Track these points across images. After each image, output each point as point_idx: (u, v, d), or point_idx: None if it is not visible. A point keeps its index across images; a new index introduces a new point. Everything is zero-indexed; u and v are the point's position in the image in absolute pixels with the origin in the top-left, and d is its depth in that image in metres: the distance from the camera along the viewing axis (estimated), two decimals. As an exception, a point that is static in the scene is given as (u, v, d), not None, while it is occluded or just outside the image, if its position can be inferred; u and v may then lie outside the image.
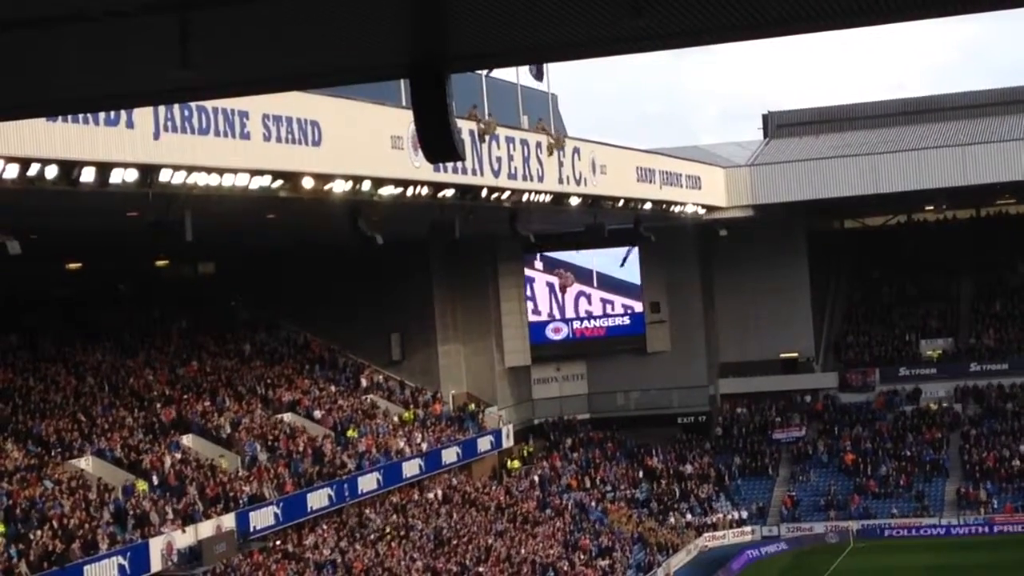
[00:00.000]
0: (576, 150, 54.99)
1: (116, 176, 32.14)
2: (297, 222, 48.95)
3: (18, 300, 57.85)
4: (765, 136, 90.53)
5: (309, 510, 53.73)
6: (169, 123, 33.01)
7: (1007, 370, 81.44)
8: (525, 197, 51.55)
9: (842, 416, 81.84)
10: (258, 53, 11.87)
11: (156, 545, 44.29)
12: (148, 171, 33.01)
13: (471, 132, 45.96)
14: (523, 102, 57.42)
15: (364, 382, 68.46)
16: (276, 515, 51.16)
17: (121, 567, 42.54)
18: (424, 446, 63.10)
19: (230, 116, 35.07)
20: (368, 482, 57.53)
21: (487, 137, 47.27)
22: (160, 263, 65.53)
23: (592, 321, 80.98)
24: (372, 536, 57.35)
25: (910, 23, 11.64)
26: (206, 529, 46.83)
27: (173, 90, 13.87)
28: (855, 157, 75.18)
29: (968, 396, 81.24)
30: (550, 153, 51.79)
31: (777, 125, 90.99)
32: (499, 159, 48.42)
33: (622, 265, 79.87)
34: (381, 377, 70.32)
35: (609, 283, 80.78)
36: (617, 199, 59.86)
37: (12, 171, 29.58)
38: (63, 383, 53.56)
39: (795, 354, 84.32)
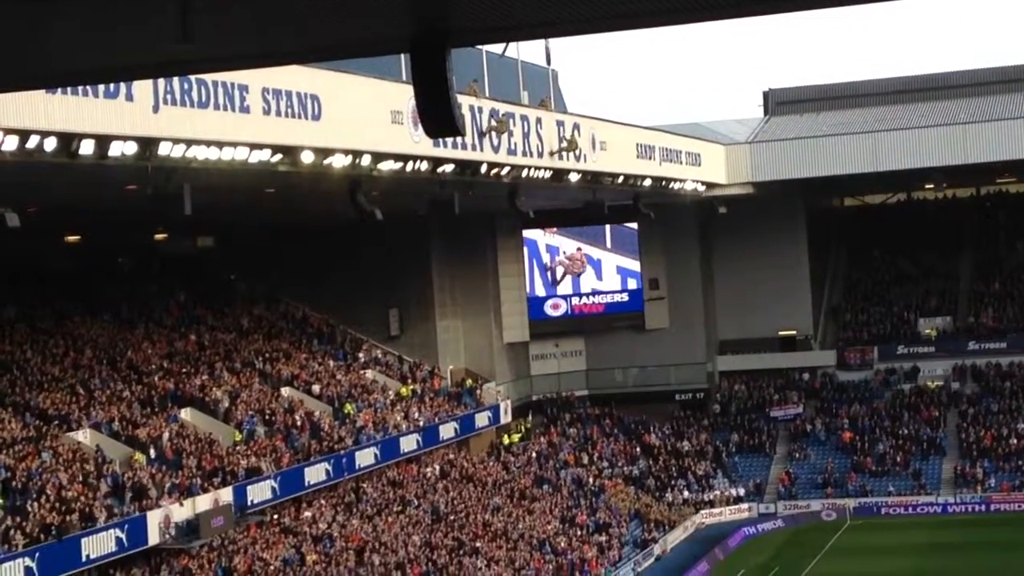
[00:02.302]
0: (576, 126, 54.92)
1: (115, 149, 32.12)
2: (296, 196, 48.88)
3: (17, 273, 57.83)
4: (765, 113, 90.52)
5: (306, 484, 53.80)
6: (169, 96, 32.97)
7: (1005, 349, 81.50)
8: (524, 173, 51.51)
9: (840, 394, 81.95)
10: (258, 27, 11.83)
11: (153, 518, 44.35)
12: (147, 144, 32.99)
13: (471, 108, 45.89)
14: (524, 78, 57.35)
15: (362, 357, 68.47)
16: (273, 489, 51.23)
17: (119, 540, 42.61)
18: (422, 421, 63.15)
19: (230, 90, 35.02)
20: (365, 457, 57.57)
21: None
22: (159, 237, 65.48)
23: (591, 298, 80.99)
24: (369, 511, 57.47)
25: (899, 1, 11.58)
26: (203, 502, 46.90)
27: (173, 63, 13.82)
28: (855, 135, 75.16)
29: (966, 374, 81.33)
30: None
31: (777, 102, 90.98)
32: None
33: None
34: (379, 352, 70.33)
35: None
36: (617, 175, 59.84)
37: (11, 143, 29.54)
38: (61, 356, 53.58)
39: (793, 332, 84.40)
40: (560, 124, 53.77)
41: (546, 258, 79.71)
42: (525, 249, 78.87)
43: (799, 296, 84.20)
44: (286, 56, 15.13)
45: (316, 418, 57.49)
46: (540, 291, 79.75)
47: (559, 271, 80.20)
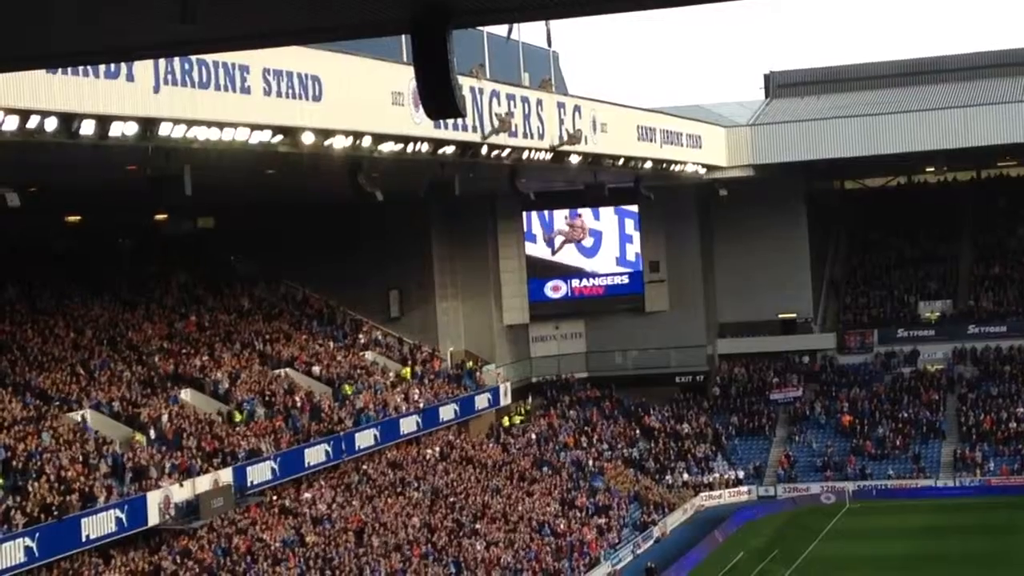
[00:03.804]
0: (577, 108, 54.85)
1: (116, 129, 32.07)
2: (297, 178, 48.85)
3: (17, 253, 57.82)
4: (766, 96, 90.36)
5: (306, 466, 53.85)
6: (169, 76, 32.91)
7: (1005, 332, 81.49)
8: (525, 155, 51.46)
9: (840, 377, 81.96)
10: (259, 7, 11.81)
11: (153, 499, 44.43)
12: (148, 124, 32.94)
13: (472, 89, 45.86)
14: (524, 60, 57.24)
15: (362, 338, 68.49)
16: (273, 470, 51.28)
17: (118, 520, 42.69)
18: (421, 403, 63.17)
19: (231, 70, 34.95)
20: (365, 438, 57.63)
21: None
22: (159, 217, 65.47)
23: (591, 280, 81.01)
24: (369, 492, 57.51)
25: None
26: (203, 483, 46.96)
27: (173, 43, 13.79)
28: (856, 118, 75.08)
29: (966, 358, 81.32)
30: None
31: (778, 85, 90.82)
32: (499, 116, 48.28)
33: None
34: (379, 334, 70.34)
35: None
36: (617, 158, 59.75)
37: (12, 123, 29.50)
38: (62, 336, 53.59)
39: (793, 315, 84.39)
40: (561, 106, 53.69)
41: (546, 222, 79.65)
42: (524, 220, 78.67)
43: (799, 279, 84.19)
44: (287, 37, 15.11)
45: (316, 399, 57.53)
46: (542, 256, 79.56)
47: (558, 240, 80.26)
